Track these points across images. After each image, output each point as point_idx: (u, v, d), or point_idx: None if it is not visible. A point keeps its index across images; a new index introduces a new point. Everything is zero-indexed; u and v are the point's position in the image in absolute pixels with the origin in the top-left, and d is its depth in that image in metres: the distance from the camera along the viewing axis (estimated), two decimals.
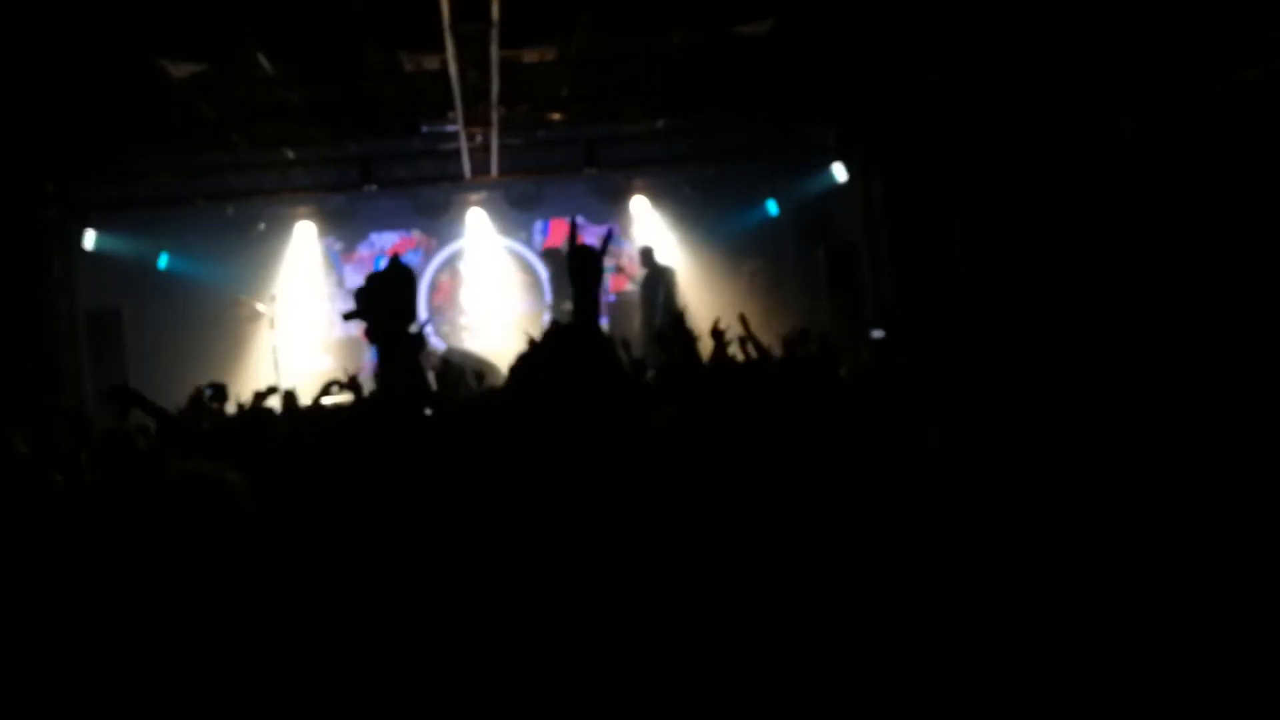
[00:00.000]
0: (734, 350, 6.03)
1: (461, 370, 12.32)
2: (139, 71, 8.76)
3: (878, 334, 11.44)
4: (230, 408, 8.29)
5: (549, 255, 15.65)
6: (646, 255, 14.48)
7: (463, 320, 15.63)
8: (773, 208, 15.70)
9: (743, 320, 7.14)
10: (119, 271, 13.90)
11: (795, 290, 15.19)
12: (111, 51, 8.22)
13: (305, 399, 8.37)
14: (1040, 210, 10.62)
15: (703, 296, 14.37)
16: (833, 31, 9.47)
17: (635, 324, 14.34)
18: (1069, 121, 10.36)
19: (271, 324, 13.79)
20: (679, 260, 15.09)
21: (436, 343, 15.14)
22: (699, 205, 15.48)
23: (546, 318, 16.05)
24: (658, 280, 14.19)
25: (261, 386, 7.15)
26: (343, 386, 6.04)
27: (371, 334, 3.24)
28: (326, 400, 5.86)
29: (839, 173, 13.79)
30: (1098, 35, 9.09)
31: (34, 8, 7.20)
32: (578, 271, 3.06)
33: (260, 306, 14.39)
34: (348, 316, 3.24)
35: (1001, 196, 11.11)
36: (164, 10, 7.67)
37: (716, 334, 5.72)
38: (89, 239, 13.25)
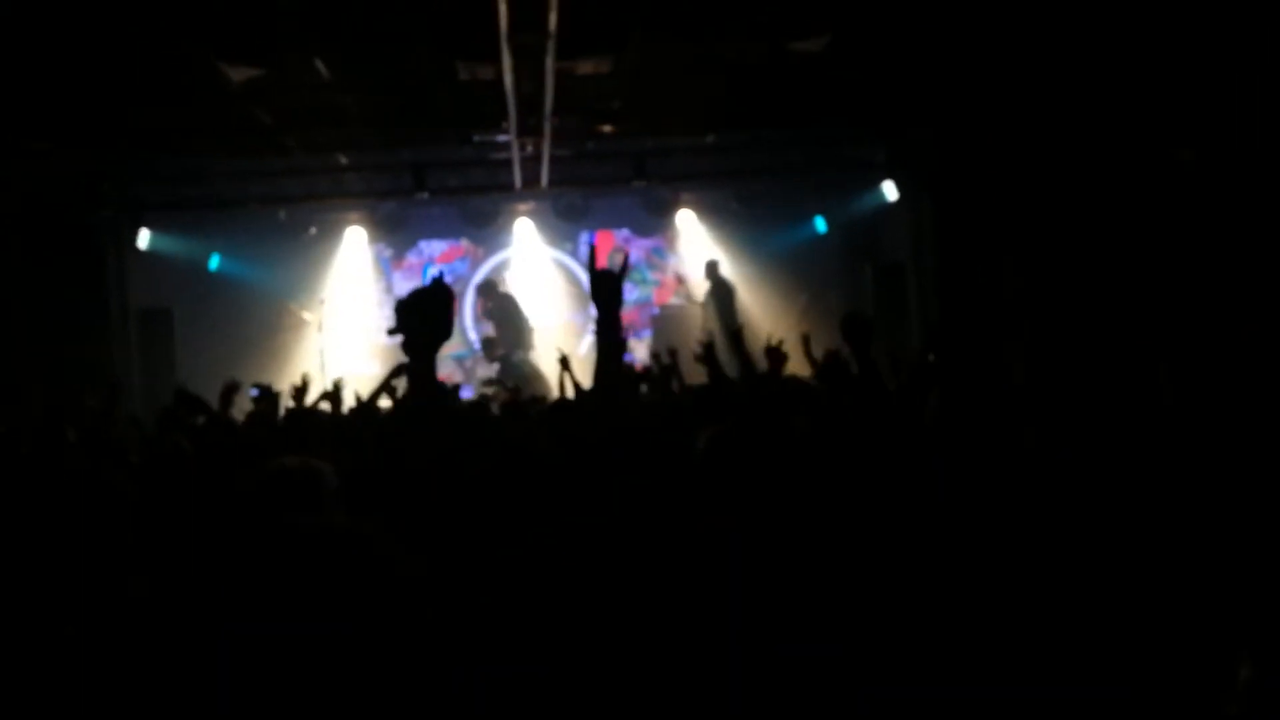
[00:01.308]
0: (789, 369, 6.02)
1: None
2: (198, 74, 8.87)
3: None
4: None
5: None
6: (711, 269, 14.52)
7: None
8: (821, 225, 15.63)
9: (805, 342, 7.15)
10: (171, 271, 14.09)
11: (840, 308, 15.10)
12: (171, 53, 8.33)
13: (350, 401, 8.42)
14: (1093, 238, 10.49)
15: (749, 312, 14.35)
16: (887, 49, 9.43)
17: (685, 335, 14.32)
18: (1123, 148, 10.23)
19: (320, 328, 13.91)
20: (729, 275, 15.07)
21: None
22: (747, 221, 15.45)
23: (591, 329, 16.08)
24: (717, 295, 14.23)
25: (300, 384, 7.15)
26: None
27: (408, 347, 3.30)
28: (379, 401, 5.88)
29: (889, 191, 13.70)
30: (1155, 61, 8.98)
31: (96, 10, 7.32)
32: (598, 293, 3.28)
33: (306, 315, 14.53)
34: (391, 332, 3.30)
35: (1053, 223, 10.98)
36: (224, 13, 7.77)
37: (773, 353, 5.69)
38: (143, 238, 13.42)
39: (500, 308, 14.90)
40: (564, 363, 7.71)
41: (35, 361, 11.32)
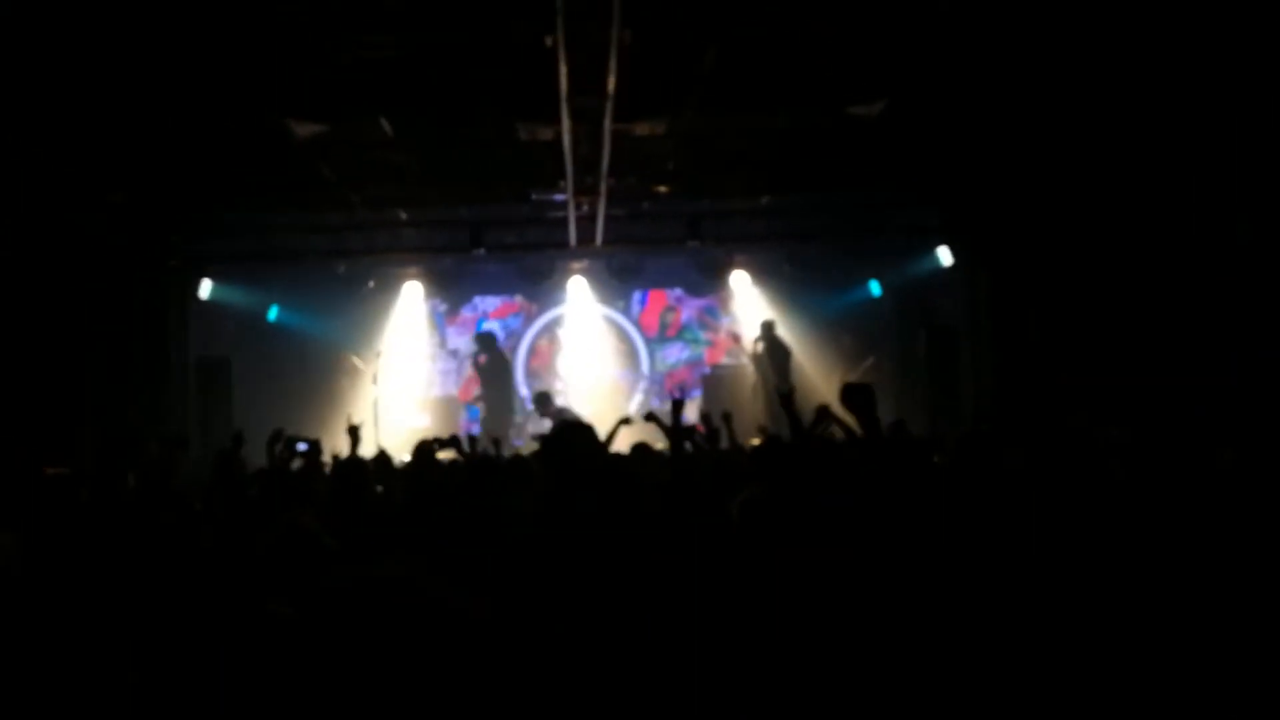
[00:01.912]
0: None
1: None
2: (264, 130, 9.11)
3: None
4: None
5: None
6: (767, 329, 14.54)
7: (559, 385, 15.76)
8: (875, 288, 15.62)
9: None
10: (231, 321, 14.36)
11: (893, 373, 15.05)
12: (240, 110, 8.57)
13: (398, 456, 8.51)
14: (1150, 306, 10.38)
15: (801, 374, 14.30)
16: (943, 114, 9.47)
17: (737, 396, 14.36)
18: (1182, 217, 10.15)
19: (374, 379, 14.07)
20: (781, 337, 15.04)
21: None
22: (800, 282, 15.46)
23: (642, 386, 16.15)
24: (770, 355, 14.23)
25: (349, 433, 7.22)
26: (443, 445, 6.15)
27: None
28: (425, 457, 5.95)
29: (944, 256, 13.67)
30: (1214, 130, 8.94)
31: (169, 69, 7.56)
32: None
33: (358, 361, 14.74)
34: None
35: (1109, 288, 10.89)
36: (292, 71, 8.00)
37: (823, 412, 5.68)
38: (205, 289, 13.67)
39: (491, 365, 15.00)
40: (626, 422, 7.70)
41: (98, 406, 11.56)
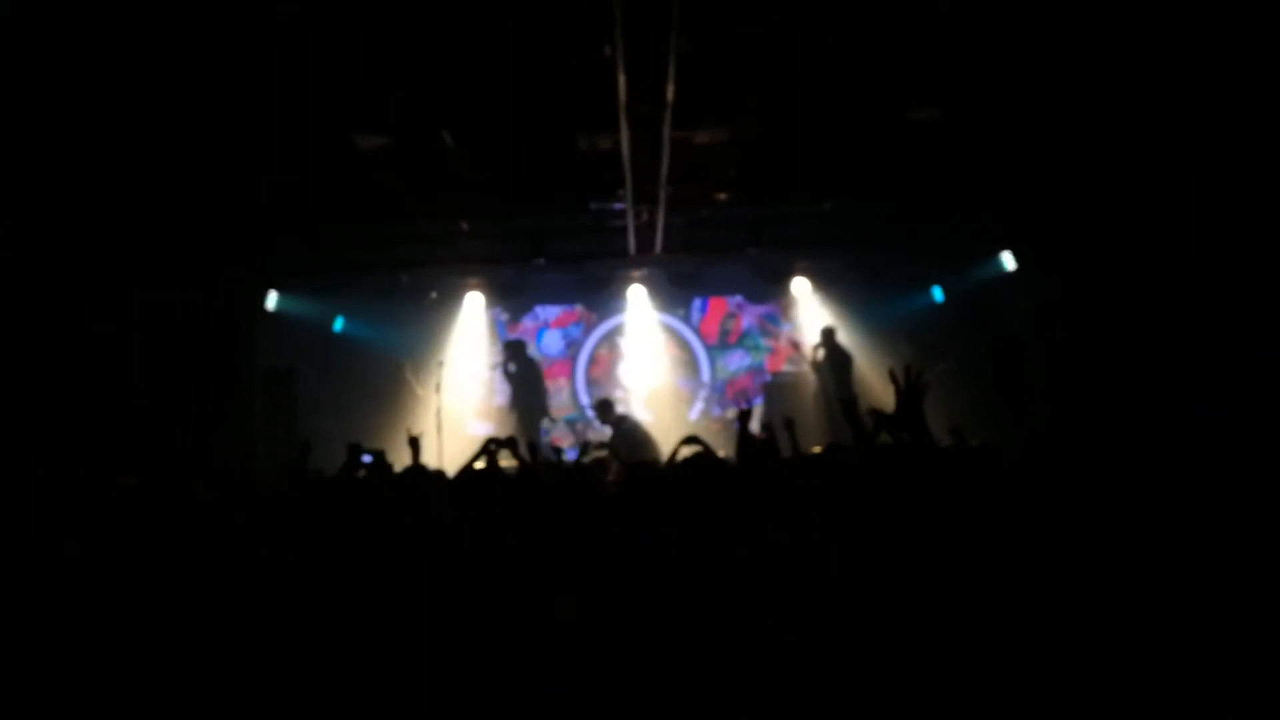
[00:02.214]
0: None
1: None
2: (329, 142, 9.25)
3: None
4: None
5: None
6: (828, 336, 14.41)
7: (619, 394, 15.78)
8: (938, 294, 15.45)
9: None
10: (296, 332, 14.55)
11: (958, 380, 14.87)
12: (304, 122, 8.71)
13: (457, 462, 8.56)
14: (1220, 306, 10.16)
15: (863, 382, 14.17)
16: (1005, 117, 9.36)
17: (798, 403, 14.27)
18: (1254, 218, 9.93)
19: (437, 389, 14.19)
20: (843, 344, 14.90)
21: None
22: (862, 289, 15.35)
23: (703, 394, 16.11)
24: (831, 362, 14.11)
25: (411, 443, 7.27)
26: (500, 445, 6.17)
27: None
28: (480, 464, 5.97)
29: (1008, 261, 13.50)
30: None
31: (233, 81, 7.70)
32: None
33: (412, 378, 14.94)
34: None
35: (1177, 291, 10.68)
36: (356, 85, 8.12)
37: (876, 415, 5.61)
38: (271, 300, 13.89)
39: (522, 371, 15.01)
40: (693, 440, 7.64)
41: (166, 416, 11.78)
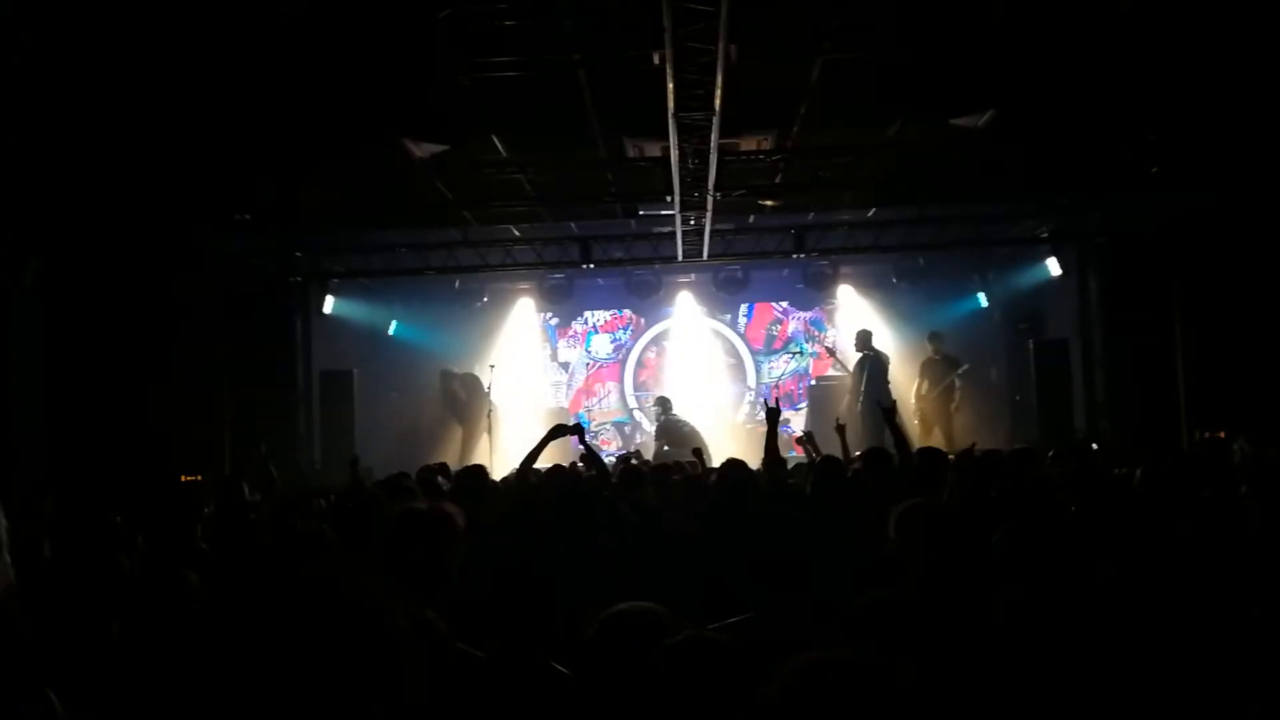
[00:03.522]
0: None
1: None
2: (384, 150, 9.49)
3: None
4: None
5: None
6: (863, 340, 14.42)
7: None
8: (982, 300, 15.48)
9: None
10: (352, 335, 14.87)
11: (1003, 385, 14.89)
12: (359, 131, 8.95)
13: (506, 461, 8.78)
14: (1268, 313, 10.14)
15: (898, 386, 14.14)
16: (1051, 125, 9.41)
17: (840, 408, 14.35)
18: None
19: (489, 391, 14.44)
20: (887, 349, 14.89)
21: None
22: (906, 294, 15.42)
23: (748, 398, 16.21)
24: (866, 365, 14.13)
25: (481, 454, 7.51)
26: (566, 431, 6.39)
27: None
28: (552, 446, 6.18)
29: (1053, 267, 13.51)
30: None
31: (293, 94, 7.96)
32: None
33: (461, 392, 15.34)
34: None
35: (1225, 298, 10.66)
36: (410, 94, 8.35)
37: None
38: (328, 304, 14.20)
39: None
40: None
41: (233, 417, 12.11)
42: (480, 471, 6.34)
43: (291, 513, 5.46)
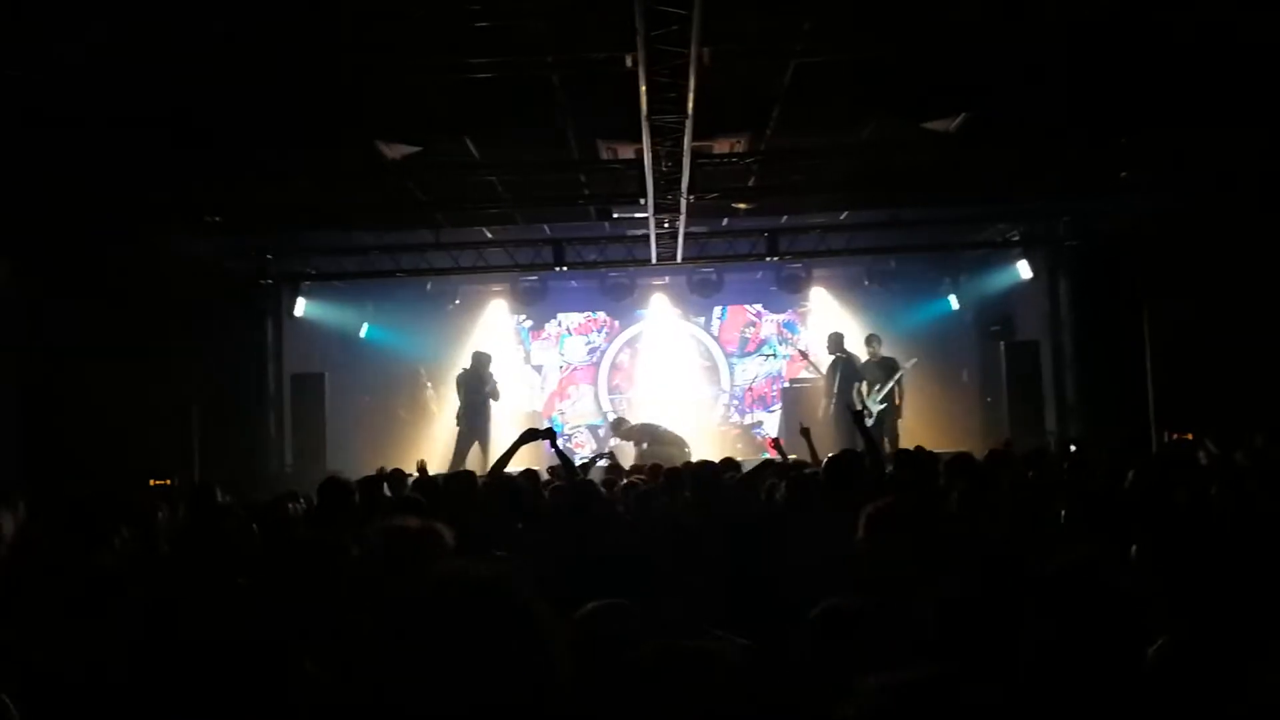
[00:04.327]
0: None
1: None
2: (356, 152, 9.44)
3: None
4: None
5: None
6: (835, 342, 14.50)
7: (638, 399, 15.99)
8: (952, 303, 15.57)
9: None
10: (324, 337, 14.77)
11: (974, 387, 14.98)
12: (331, 132, 8.90)
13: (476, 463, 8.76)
14: (1236, 316, 10.24)
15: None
16: (1022, 129, 9.47)
17: (812, 411, 14.43)
18: (1266, 225, 10.01)
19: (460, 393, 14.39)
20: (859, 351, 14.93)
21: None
22: (878, 297, 15.47)
23: (722, 400, 16.24)
24: (839, 368, 14.20)
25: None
26: (539, 436, 6.36)
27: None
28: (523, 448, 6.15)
29: (1023, 270, 13.61)
30: None
31: (261, 93, 7.90)
32: None
33: (432, 396, 15.22)
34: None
35: (1193, 301, 10.77)
36: (383, 95, 8.31)
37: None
38: (300, 307, 14.10)
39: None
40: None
41: (198, 420, 12.02)
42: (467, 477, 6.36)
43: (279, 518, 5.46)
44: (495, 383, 14.48)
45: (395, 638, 1.40)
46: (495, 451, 13.70)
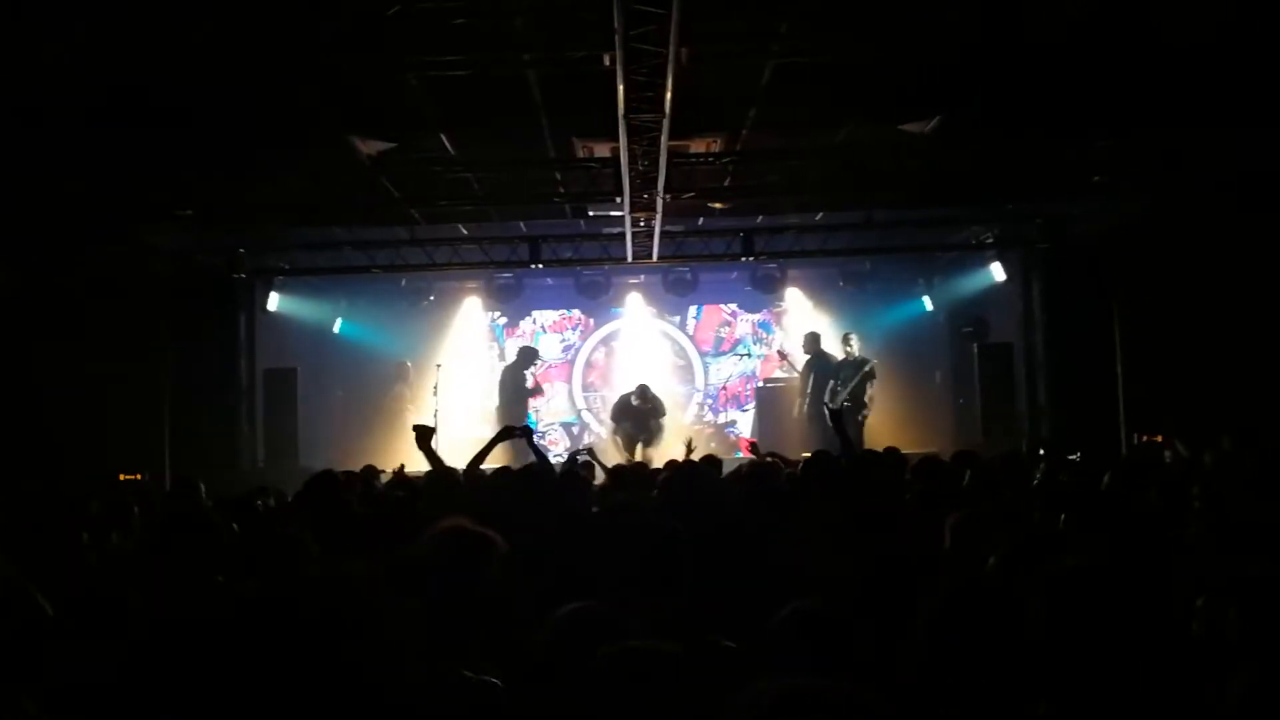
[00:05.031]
0: None
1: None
2: (331, 147, 9.39)
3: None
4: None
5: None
6: (811, 342, 14.58)
7: (613, 397, 15.96)
8: (926, 304, 15.65)
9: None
10: (297, 332, 14.68)
11: (947, 388, 15.06)
12: (306, 128, 8.84)
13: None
14: (1206, 319, 10.34)
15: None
16: (996, 132, 9.52)
17: (787, 411, 14.50)
18: (1240, 232, 10.11)
19: (434, 390, 14.32)
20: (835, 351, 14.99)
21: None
22: (853, 298, 15.53)
23: (696, 398, 16.27)
24: (815, 367, 14.27)
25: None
26: (517, 434, 6.37)
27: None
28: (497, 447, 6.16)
29: (996, 272, 13.69)
30: (1274, 144, 8.91)
31: (237, 87, 7.84)
32: None
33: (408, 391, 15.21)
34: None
35: (1164, 305, 10.87)
36: (358, 91, 8.27)
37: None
38: (273, 301, 14.01)
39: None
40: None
41: (169, 414, 11.93)
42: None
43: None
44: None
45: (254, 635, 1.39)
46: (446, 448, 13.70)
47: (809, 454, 8.75)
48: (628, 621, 2.70)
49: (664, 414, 14.14)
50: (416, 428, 6.25)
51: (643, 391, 14.11)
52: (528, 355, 15.19)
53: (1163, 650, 2.24)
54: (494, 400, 15.86)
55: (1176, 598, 2.63)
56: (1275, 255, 9.74)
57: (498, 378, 15.60)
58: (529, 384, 14.97)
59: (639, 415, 14.05)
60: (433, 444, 6.17)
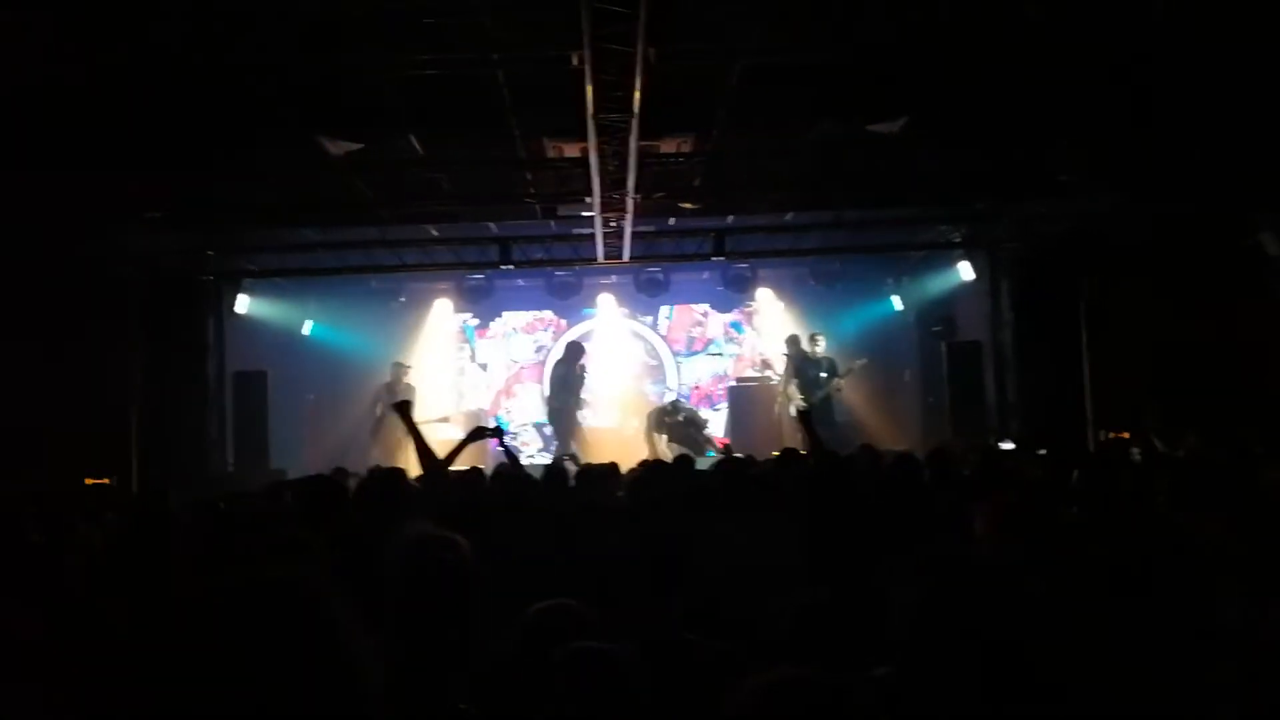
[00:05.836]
0: None
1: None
2: (298, 148, 9.34)
3: (1006, 445, 11.43)
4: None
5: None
6: (791, 343, 14.70)
7: (586, 398, 15.95)
8: (895, 303, 15.73)
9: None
10: (266, 335, 14.58)
11: (916, 386, 15.15)
12: (274, 128, 8.80)
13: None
14: (1171, 318, 10.46)
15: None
16: (964, 132, 9.58)
17: (759, 410, 14.55)
18: (1205, 232, 10.23)
19: (407, 391, 14.28)
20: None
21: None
22: (823, 297, 15.59)
23: (668, 399, 16.27)
24: (793, 368, 14.34)
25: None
26: (487, 434, 6.36)
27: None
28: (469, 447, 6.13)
29: (965, 272, 13.77)
30: (1238, 144, 9.02)
31: (204, 87, 7.79)
32: None
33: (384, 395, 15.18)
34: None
35: (1131, 304, 10.98)
36: (327, 91, 8.23)
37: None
38: (242, 303, 13.90)
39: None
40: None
41: (137, 418, 11.83)
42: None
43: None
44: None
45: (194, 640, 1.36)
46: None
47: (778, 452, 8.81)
48: (595, 621, 2.71)
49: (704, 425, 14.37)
50: (396, 405, 6.25)
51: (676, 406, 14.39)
52: (575, 351, 15.03)
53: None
54: (465, 401, 15.86)
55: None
56: (1240, 254, 9.87)
57: (469, 379, 15.53)
58: (579, 374, 14.82)
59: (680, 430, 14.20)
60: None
